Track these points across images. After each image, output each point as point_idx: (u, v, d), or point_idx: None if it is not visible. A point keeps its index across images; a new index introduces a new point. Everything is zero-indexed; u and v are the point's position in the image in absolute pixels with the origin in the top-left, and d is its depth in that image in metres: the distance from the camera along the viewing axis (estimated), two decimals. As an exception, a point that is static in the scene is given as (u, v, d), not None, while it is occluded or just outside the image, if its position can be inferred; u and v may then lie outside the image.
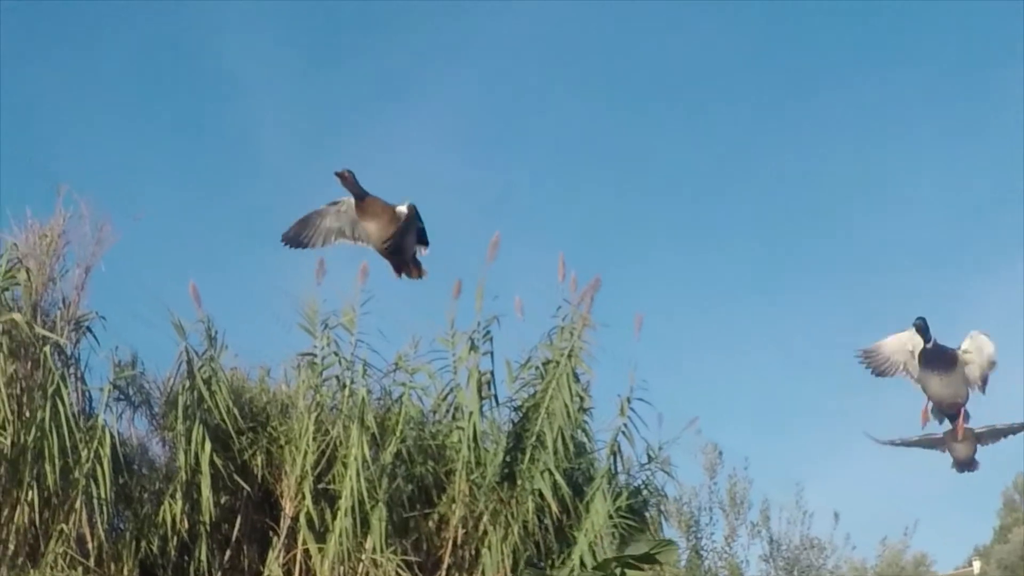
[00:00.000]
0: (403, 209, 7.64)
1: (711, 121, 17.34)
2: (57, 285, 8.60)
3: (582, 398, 9.21)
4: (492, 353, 9.19)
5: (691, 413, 9.49)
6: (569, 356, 9.10)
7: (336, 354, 8.93)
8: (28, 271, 8.44)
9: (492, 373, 9.20)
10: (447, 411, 9.22)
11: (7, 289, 8.36)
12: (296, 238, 8.07)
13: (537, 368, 9.26)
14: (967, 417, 8.28)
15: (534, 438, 9.01)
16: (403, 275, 7.83)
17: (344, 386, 8.91)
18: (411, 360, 9.13)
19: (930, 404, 8.10)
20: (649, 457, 9.40)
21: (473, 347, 9.08)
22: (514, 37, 16.79)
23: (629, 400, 9.24)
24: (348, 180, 7.36)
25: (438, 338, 9.13)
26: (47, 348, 8.28)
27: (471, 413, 8.94)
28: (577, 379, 9.15)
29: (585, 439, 9.35)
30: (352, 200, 7.89)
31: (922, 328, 7.70)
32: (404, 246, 7.57)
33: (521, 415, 9.24)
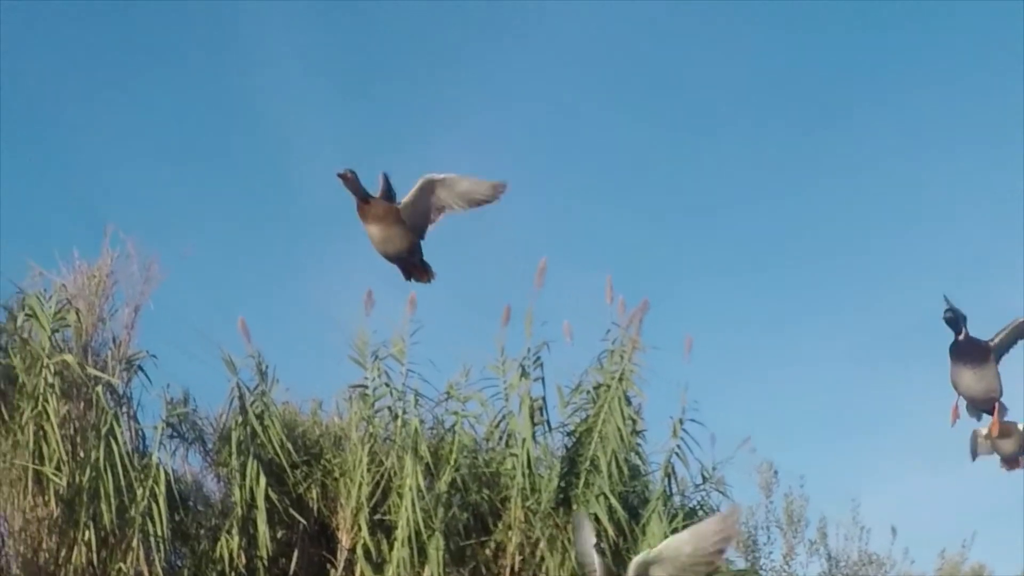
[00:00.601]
0: (408, 199, 7.36)
1: (753, 138, 17.08)
2: (107, 325, 8.55)
3: (634, 421, 9.06)
4: (543, 379, 9.07)
5: (744, 432, 9.35)
6: (620, 379, 8.95)
7: (387, 385, 8.85)
8: (78, 312, 8.37)
9: (544, 399, 9.07)
10: (500, 438, 9.08)
11: (57, 331, 8.29)
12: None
13: (588, 392, 9.11)
14: (1004, 411, 7.98)
15: (588, 462, 8.87)
16: (412, 279, 7.58)
17: (396, 416, 8.81)
18: (463, 388, 9.02)
19: (960, 400, 7.78)
20: (704, 478, 9.24)
21: (524, 374, 8.96)
22: (551, 55, 16.57)
23: (681, 421, 9.08)
24: (350, 181, 7.04)
25: (489, 365, 9.00)
26: (99, 388, 8.19)
27: (524, 440, 8.80)
28: (629, 402, 9.00)
29: (639, 462, 9.19)
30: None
31: (952, 320, 7.38)
32: (411, 247, 7.30)
33: (574, 440, 9.09)
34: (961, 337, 7.37)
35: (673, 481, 9.19)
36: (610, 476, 8.81)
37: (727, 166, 17.14)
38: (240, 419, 8.53)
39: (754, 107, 17.44)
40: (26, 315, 8.31)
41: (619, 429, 8.87)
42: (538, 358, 9.02)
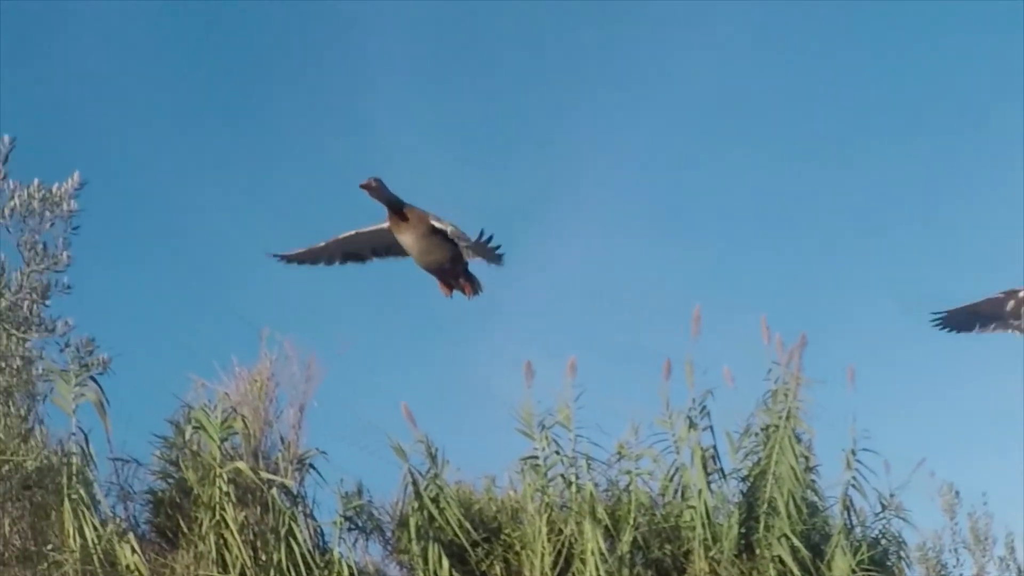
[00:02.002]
0: (439, 225, 6.85)
1: (896, 156, 16.59)
2: (274, 427, 8.37)
3: (807, 458, 8.76)
4: (711, 427, 8.84)
5: (919, 455, 9.09)
6: (787, 418, 8.71)
7: (557, 453, 8.61)
8: (244, 418, 8.24)
9: (714, 447, 8.81)
10: (675, 491, 8.78)
11: (226, 439, 8.18)
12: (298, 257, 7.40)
13: (757, 435, 8.85)
14: None
15: (765, 505, 8.57)
16: (454, 293, 6.99)
17: (570, 483, 8.55)
18: (633, 447, 8.75)
19: None
20: (882, 506, 8.97)
21: (692, 424, 8.71)
22: (683, 95, 16.34)
23: (854, 452, 8.82)
24: (376, 190, 6.47)
25: (656, 420, 8.76)
26: (274, 491, 8.08)
27: (700, 490, 8.52)
28: (799, 439, 8.73)
29: (816, 498, 8.87)
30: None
31: None
32: (452, 257, 6.70)
33: (749, 484, 8.78)
34: None
35: (852, 513, 8.91)
36: (789, 516, 8.51)
37: (870, 188, 16.69)
38: (416, 504, 8.33)
39: (893, 126, 17.00)
40: (194, 428, 8.23)
41: (792, 468, 8.60)
42: (704, 407, 8.79)
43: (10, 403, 7.41)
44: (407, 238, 6.52)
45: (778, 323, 9.03)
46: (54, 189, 7.05)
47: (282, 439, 8.38)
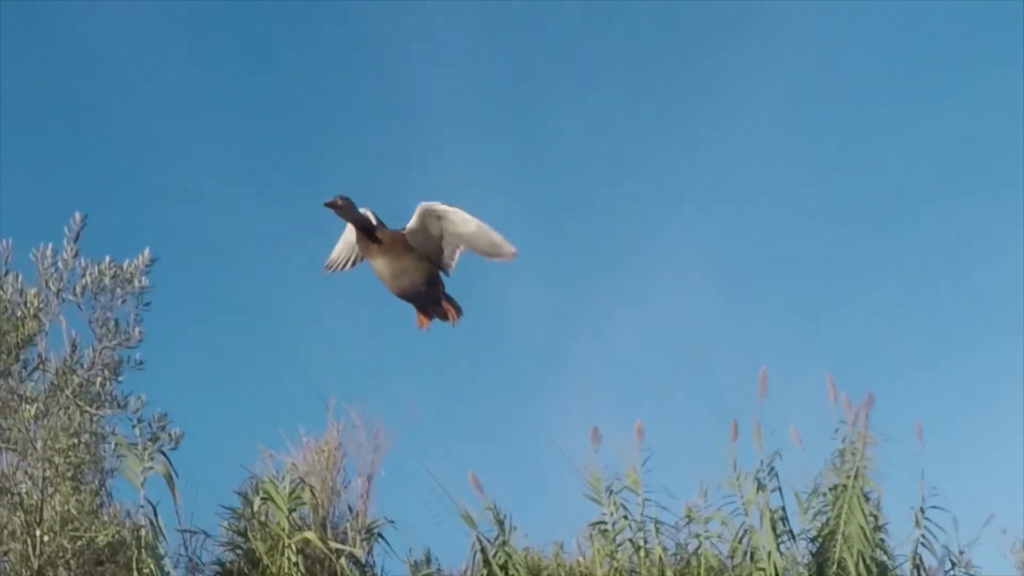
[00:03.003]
0: (413, 223, 5.96)
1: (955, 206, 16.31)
2: (342, 497, 8.38)
3: (876, 517, 8.62)
4: (779, 488, 8.70)
5: (989, 510, 8.98)
6: (855, 477, 8.64)
7: (626, 518, 8.52)
8: (311, 488, 8.26)
9: (783, 508, 8.67)
10: (744, 554, 8.66)
11: (295, 509, 8.18)
12: (336, 262, 6.84)
13: (825, 495, 8.75)
14: None
15: (835, 566, 8.42)
16: (432, 320, 6.25)
17: (639, 548, 8.45)
18: (702, 510, 8.64)
19: None
20: (952, 564, 8.84)
21: (760, 486, 8.59)
22: (749, 150, 16.20)
23: (923, 509, 8.73)
24: (344, 209, 5.81)
25: (723, 482, 8.67)
26: (342, 560, 8.03)
27: (769, 552, 8.38)
28: (867, 499, 8.64)
29: (885, 557, 8.73)
30: None
31: None
32: (428, 277, 6.09)
33: (818, 545, 8.63)
34: None
35: (922, 572, 8.77)
36: (859, 576, 8.49)
37: (935, 242, 16.50)
38: (484, 572, 8.24)
39: (959, 180, 16.82)
40: (262, 498, 8.19)
41: (861, 528, 8.47)
42: (771, 468, 8.66)
43: (80, 478, 7.38)
44: (379, 262, 5.86)
45: (844, 378, 8.95)
46: (125, 266, 7.06)
47: (350, 508, 8.38)
